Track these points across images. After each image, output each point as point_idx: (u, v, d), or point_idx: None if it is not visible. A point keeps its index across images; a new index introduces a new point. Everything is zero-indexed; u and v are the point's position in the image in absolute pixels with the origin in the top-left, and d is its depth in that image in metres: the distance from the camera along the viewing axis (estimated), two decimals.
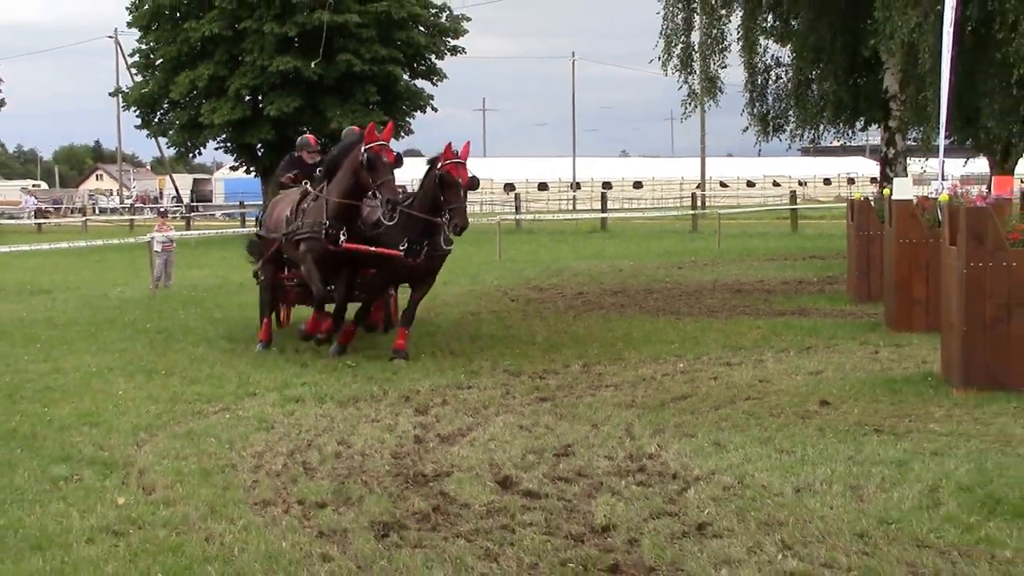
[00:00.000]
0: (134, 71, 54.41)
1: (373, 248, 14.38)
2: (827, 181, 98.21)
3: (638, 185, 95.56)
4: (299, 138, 17.70)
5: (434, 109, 51.21)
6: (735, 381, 12.55)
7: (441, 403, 11.55)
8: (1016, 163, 31.62)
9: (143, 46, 50.80)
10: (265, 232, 16.07)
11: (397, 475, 8.80)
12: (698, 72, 28.51)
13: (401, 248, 14.25)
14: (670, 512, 7.64)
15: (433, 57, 50.61)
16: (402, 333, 14.44)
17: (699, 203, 52.27)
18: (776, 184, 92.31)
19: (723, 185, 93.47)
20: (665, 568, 6.69)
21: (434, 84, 51.48)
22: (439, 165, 14.17)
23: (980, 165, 40.99)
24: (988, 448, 9.10)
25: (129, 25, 50.47)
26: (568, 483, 8.44)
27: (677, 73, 28.53)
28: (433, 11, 50.32)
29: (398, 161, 14.15)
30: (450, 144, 14.31)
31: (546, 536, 7.23)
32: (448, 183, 14.03)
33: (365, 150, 13.94)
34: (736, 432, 9.89)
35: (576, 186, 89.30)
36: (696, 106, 29.48)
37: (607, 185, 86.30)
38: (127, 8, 49.79)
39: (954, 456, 8.82)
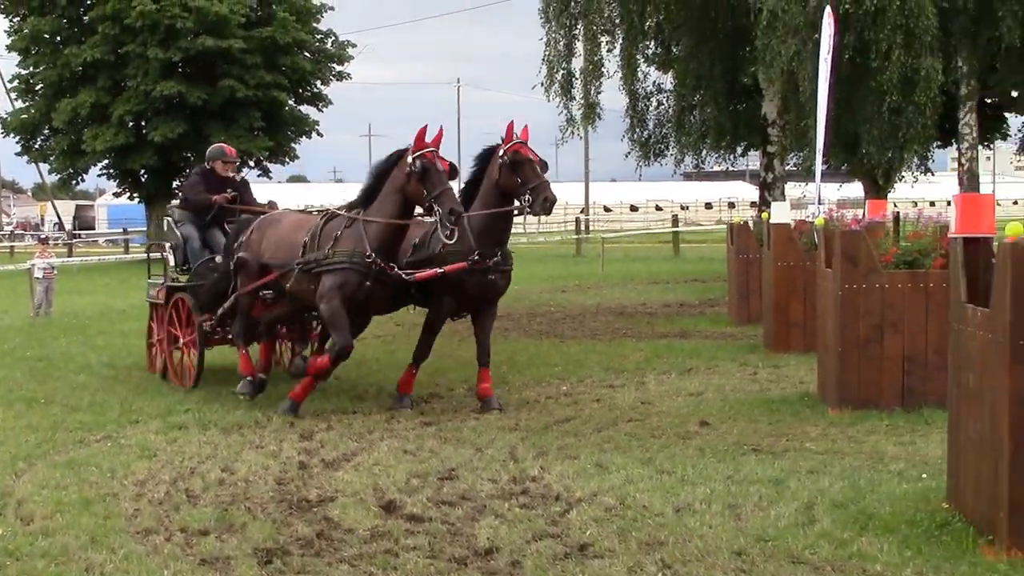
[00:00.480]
0: (14, 96, 53.49)
1: (440, 269, 12.40)
2: (708, 205, 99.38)
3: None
4: (211, 147, 15.43)
5: (319, 135, 51.02)
6: (617, 403, 12.70)
7: (326, 428, 11.52)
8: (892, 187, 32.37)
9: (23, 71, 49.95)
10: (251, 256, 13.25)
11: (281, 501, 8.77)
12: (579, 98, 28.83)
13: (470, 261, 12.48)
14: (552, 534, 7.71)
15: (319, 83, 50.50)
16: (486, 375, 12.93)
17: (583, 227, 52.59)
18: (659, 208, 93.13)
19: (607, 209, 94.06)
20: None
21: (320, 110, 51.39)
22: (502, 150, 12.57)
23: (856, 189, 41.85)
24: (861, 465, 9.34)
25: (8, 49, 49.57)
26: (452, 506, 8.48)
27: (559, 99, 28.86)
28: (319, 37, 50.22)
29: (453, 171, 12.23)
30: (511, 124, 12.87)
31: (429, 560, 7.26)
32: (520, 161, 12.41)
33: (416, 157, 11.89)
34: (618, 453, 10.02)
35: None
36: (573, 132, 29.77)
37: None
38: (6, 31, 49.07)
39: (829, 474, 9.04)
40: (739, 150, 35.82)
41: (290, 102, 49.29)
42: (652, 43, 30.86)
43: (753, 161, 42.92)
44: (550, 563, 7.13)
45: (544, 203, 12.24)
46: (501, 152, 12.55)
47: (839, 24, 19.68)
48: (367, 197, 12.43)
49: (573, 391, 13.61)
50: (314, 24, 49.84)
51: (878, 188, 30.73)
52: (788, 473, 9.11)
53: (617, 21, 28.87)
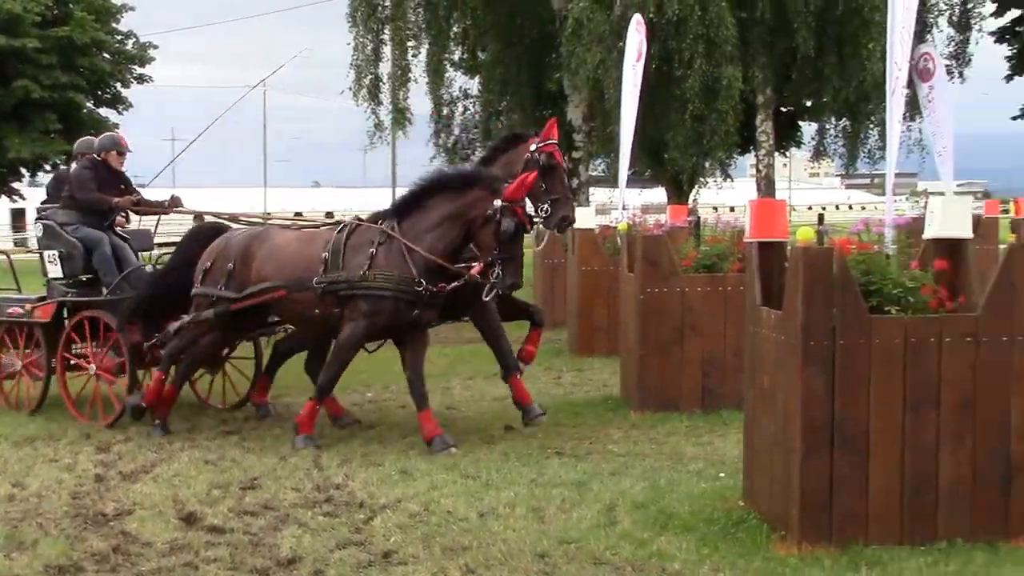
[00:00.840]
0: None
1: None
2: None
3: (330, 215, 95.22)
4: (102, 137, 13.33)
5: None
6: None
7: (124, 440, 11.23)
8: (698, 193, 33.02)
9: None
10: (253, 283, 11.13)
11: (76, 516, 8.51)
12: (387, 103, 28.83)
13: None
14: (356, 542, 7.66)
15: (119, 85, 49.38)
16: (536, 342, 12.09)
17: None
18: None
19: None
20: None
21: (120, 113, 50.27)
22: (535, 145, 11.02)
23: (659, 194, 42.61)
24: (662, 466, 9.49)
25: None
26: (254, 516, 8.35)
27: (367, 104, 28.82)
28: (119, 37, 49.11)
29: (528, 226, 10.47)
30: (554, 120, 11.44)
31: (231, 571, 7.14)
32: (553, 166, 10.96)
33: (505, 208, 10.03)
34: (423, 459, 10.00)
35: (268, 216, 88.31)
36: (381, 137, 29.75)
37: (299, 215, 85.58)
38: None
39: (630, 475, 9.16)
40: None
41: (88, 104, 48.14)
42: (459, 48, 31.02)
43: None
44: (354, 571, 7.08)
45: (562, 222, 11.08)
46: (534, 147, 11.07)
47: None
48: (411, 202, 10.67)
49: (378, 398, 13.56)
50: (114, 24, 48.76)
51: (680, 193, 31.32)
52: (591, 475, 9.20)
53: (424, 26, 28.96)
